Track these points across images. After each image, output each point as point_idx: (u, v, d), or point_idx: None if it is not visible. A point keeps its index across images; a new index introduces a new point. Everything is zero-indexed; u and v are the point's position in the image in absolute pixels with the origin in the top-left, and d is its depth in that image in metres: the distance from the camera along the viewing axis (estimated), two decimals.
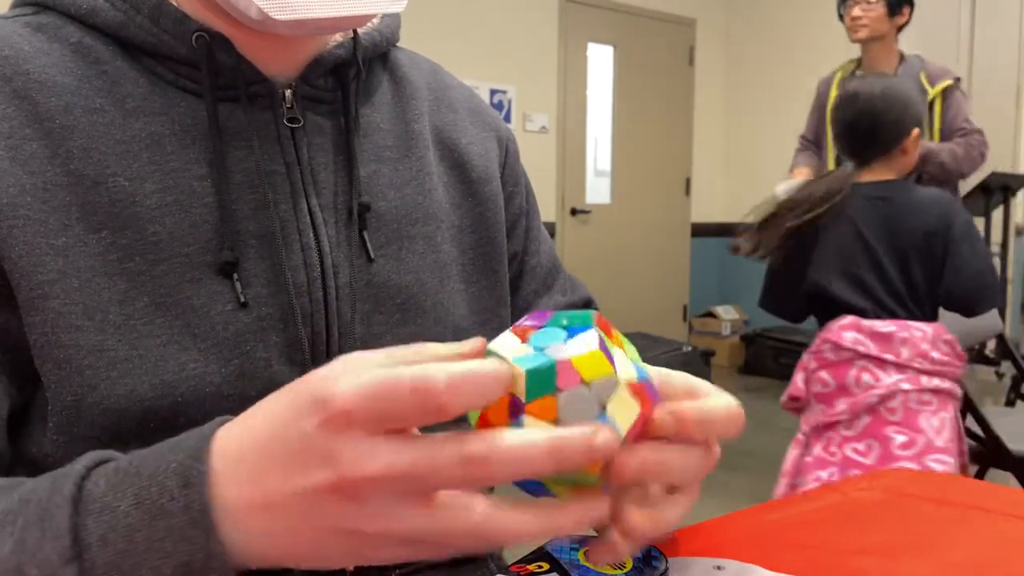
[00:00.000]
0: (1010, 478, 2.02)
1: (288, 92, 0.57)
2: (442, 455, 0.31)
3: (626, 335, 0.41)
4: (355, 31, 0.61)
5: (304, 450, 0.33)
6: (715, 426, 0.39)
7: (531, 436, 0.32)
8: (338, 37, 0.62)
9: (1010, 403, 2.50)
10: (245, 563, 0.36)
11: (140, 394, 0.49)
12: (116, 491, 0.37)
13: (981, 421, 2.00)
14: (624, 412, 0.35)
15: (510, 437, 0.31)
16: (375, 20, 0.65)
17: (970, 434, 2.04)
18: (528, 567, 0.49)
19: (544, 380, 0.34)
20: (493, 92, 4.63)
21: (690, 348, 4.54)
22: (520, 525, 0.32)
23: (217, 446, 0.36)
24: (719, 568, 0.56)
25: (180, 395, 0.50)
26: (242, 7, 0.51)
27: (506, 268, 0.68)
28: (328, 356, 0.56)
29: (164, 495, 0.35)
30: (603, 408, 0.35)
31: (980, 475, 2.16)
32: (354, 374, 0.32)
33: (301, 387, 0.34)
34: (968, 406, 2.02)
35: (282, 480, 0.34)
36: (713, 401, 0.40)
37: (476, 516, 0.32)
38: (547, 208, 4.93)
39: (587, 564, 0.49)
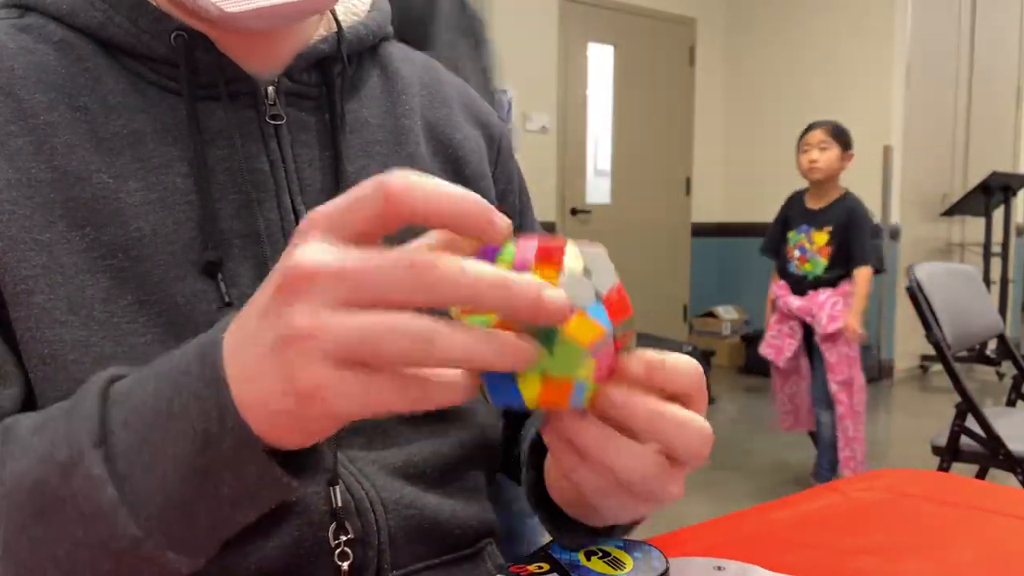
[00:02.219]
0: (1010, 478, 2.02)
1: (270, 89, 0.56)
2: (389, 256, 0.31)
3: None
4: (339, 25, 0.61)
5: (270, 278, 0.34)
6: (681, 378, 0.39)
7: (481, 264, 0.31)
8: (322, 31, 0.61)
9: (1011, 403, 2.50)
10: (255, 429, 0.35)
11: None
12: (140, 383, 0.39)
13: (982, 421, 2.00)
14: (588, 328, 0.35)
15: (459, 258, 0.31)
16: (360, 14, 0.64)
17: (970, 434, 2.04)
18: (528, 567, 0.49)
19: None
20: (493, 92, 4.63)
21: (690, 348, 4.54)
22: (468, 337, 0.31)
23: (232, 321, 0.37)
24: (719, 568, 0.56)
25: None
26: (202, 6, 0.51)
27: None
28: None
29: (184, 372, 0.37)
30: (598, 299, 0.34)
31: (980, 475, 2.16)
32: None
33: None
34: (968, 406, 2.02)
35: (247, 314, 0.35)
36: (669, 355, 0.40)
37: (420, 320, 0.31)
38: (547, 208, 4.93)
39: (587, 564, 0.49)
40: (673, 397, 0.39)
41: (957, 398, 2.26)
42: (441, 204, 0.32)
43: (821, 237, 3.07)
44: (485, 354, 0.32)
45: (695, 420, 0.39)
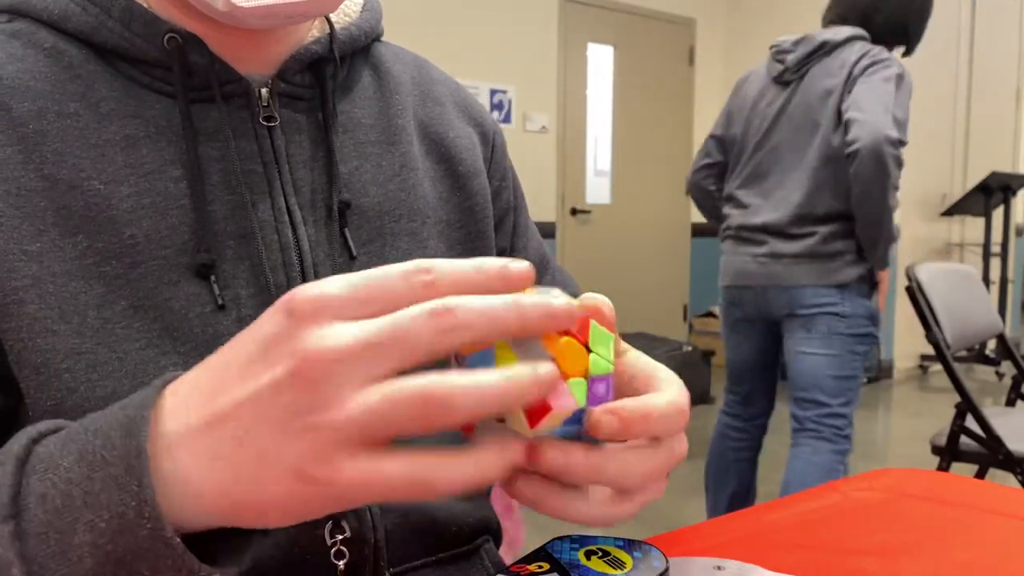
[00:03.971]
0: (1009, 478, 2.02)
1: (264, 90, 0.57)
2: (408, 312, 0.31)
3: (626, 335, 0.41)
4: (331, 26, 0.60)
5: (262, 349, 0.32)
6: (658, 423, 0.39)
7: (492, 296, 0.33)
8: (315, 32, 0.61)
9: (1010, 403, 2.50)
10: (185, 517, 0.34)
11: (120, 396, 0.48)
12: (63, 449, 0.36)
13: (981, 421, 2.00)
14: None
15: (473, 296, 0.32)
16: (352, 15, 0.64)
17: (970, 434, 2.04)
18: (528, 567, 0.49)
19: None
20: (493, 92, 4.63)
21: (690, 348, 4.54)
22: (479, 382, 0.31)
23: (169, 388, 0.35)
24: (719, 568, 0.56)
25: None
26: (207, 1, 0.51)
27: None
28: None
29: (107, 447, 0.35)
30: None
31: (980, 475, 2.16)
32: (330, 280, 0.33)
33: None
34: (968, 406, 2.02)
35: (237, 385, 0.33)
36: (656, 397, 0.40)
37: (432, 378, 0.31)
38: (547, 208, 4.93)
39: (587, 564, 0.49)
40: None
41: (957, 398, 2.26)
42: (469, 275, 0.33)
43: None
44: (497, 391, 0.32)
45: (648, 461, 0.39)
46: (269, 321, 0.33)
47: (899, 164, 1.94)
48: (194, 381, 0.35)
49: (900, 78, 2.00)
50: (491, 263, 0.34)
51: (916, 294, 2.08)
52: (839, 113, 2.02)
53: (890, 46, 2.15)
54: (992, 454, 2.01)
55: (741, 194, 2.22)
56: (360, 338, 0.31)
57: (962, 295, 2.27)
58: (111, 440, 0.35)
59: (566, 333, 0.35)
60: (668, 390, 0.42)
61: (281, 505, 0.33)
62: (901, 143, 1.92)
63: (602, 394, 0.37)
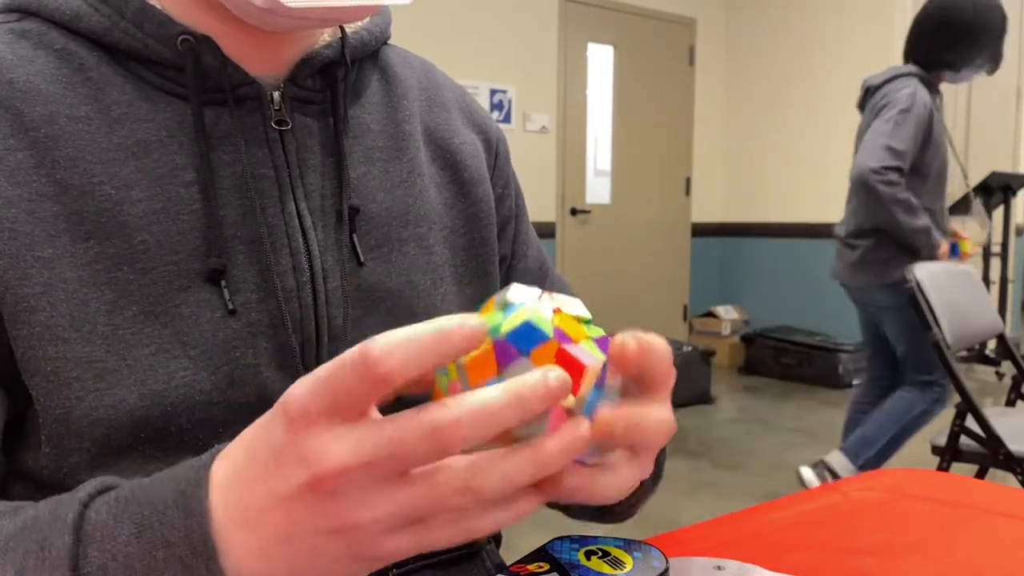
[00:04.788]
0: (1009, 478, 2.02)
1: (276, 94, 0.56)
2: (408, 428, 0.31)
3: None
4: (343, 30, 0.60)
5: (274, 459, 0.33)
6: (646, 437, 0.38)
7: (490, 392, 0.31)
8: (326, 36, 0.61)
9: (1010, 403, 2.50)
10: None
11: (129, 404, 0.49)
12: (117, 519, 0.36)
13: (981, 421, 2.00)
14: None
15: (470, 397, 0.31)
16: (364, 19, 0.64)
17: (970, 434, 2.04)
18: (528, 567, 0.49)
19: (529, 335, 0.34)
20: (493, 92, 4.63)
21: (690, 348, 4.54)
22: (508, 467, 0.32)
23: (214, 475, 0.36)
24: (719, 568, 0.56)
25: (170, 404, 0.50)
26: None
27: (498, 269, 0.67)
28: (319, 361, 0.55)
29: (165, 525, 0.35)
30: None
31: (980, 475, 2.16)
32: (307, 376, 0.32)
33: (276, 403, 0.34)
34: (968, 406, 2.02)
35: (261, 495, 0.34)
36: (647, 411, 0.38)
37: (461, 472, 0.32)
38: (547, 208, 4.93)
39: (587, 564, 0.49)
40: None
41: (993, 411, 2.25)
42: (423, 356, 0.31)
43: None
44: (525, 468, 0.32)
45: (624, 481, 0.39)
46: (274, 428, 0.34)
47: (889, 184, 2.44)
48: (226, 478, 0.35)
49: (903, 112, 2.46)
50: (452, 327, 0.32)
51: (916, 294, 2.08)
52: None
53: (949, 71, 2.65)
54: (992, 454, 2.00)
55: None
56: (361, 452, 0.31)
57: (962, 295, 2.27)
58: (169, 519, 0.35)
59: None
60: (661, 408, 0.39)
61: (339, 567, 0.34)
62: (889, 169, 2.44)
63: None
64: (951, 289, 2.22)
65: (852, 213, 2.66)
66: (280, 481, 0.33)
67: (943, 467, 2.09)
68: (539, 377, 0.32)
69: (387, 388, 0.31)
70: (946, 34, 2.55)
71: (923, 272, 2.13)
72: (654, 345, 0.37)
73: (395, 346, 0.31)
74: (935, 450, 2.14)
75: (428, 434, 0.31)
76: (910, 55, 2.64)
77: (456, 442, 0.31)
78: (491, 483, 0.32)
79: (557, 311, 0.36)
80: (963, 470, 2.08)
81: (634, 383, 0.38)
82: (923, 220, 2.57)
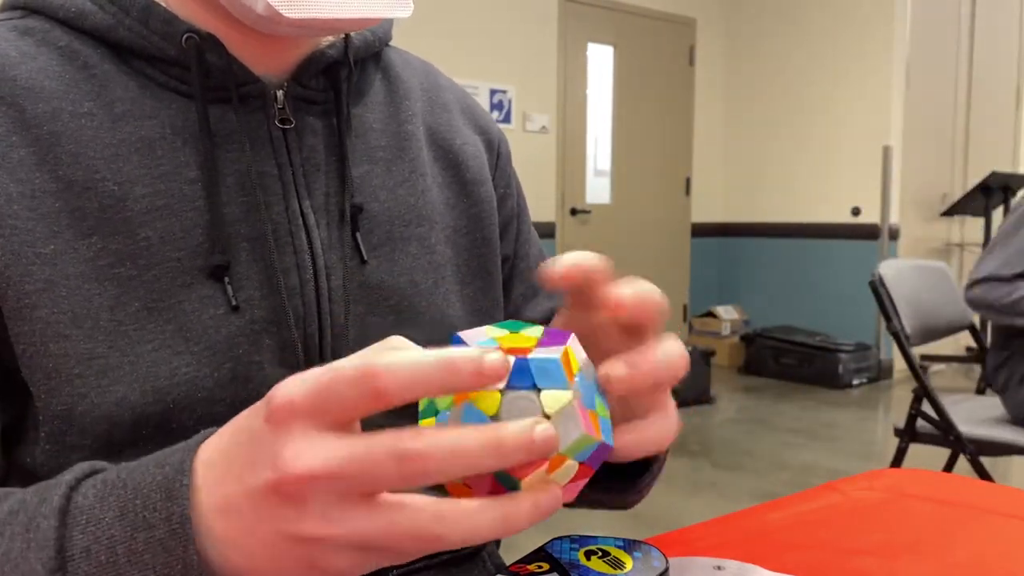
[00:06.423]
0: (1010, 476, 2.03)
1: (280, 93, 0.57)
2: (376, 449, 0.30)
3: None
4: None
5: (251, 448, 0.33)
6: (669, 371, 0.38)
7: (468, 433, 0.31)
8: (330, 37, 0.61)
9: (980, 391, 2.57)
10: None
11: (131, 401, 0.49)
12: (103, 503, 0.37)
13: (935, 404, 2.09)
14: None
15: (447, 433, 0.31)
16: (365, 29, 0.65)
17: (926, 417, 2.13)
18: (528, 567, 0.49)
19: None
20: (493, 92, 4.63)
21: (690, 348, 4.54)
22: (472, 521, 0.31)
23: (200, 456, 0.36)
24: (719, 568, 0.56)
25: (172, 401, 0.50)
26: (248, 2, 0.50)
27: (500, 269, 0.68)
28: (321, 359, 0.55)
29: (148, 507, 0.35)
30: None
31: (950, 464, 2.21)
32: (307, 373, 0.32)
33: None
34: (924, 391, 2.11)
35: (237, 481, 0.33)
36: (661, 346, 0.39)
37: (425, 517, 0.31)
38: (547, 208, 4.93)
39: (587, 564, 0.49)
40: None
41: (956, 397, 2.30)
42: (430, 377, 0.31)
43: None
44: (490, 526, 0.31)
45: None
46: (258, 416, 0.33)
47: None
48: (211, 458, 0.36)
49: None
50: (463, 359, 0.31)
51: (878, 288, 2.17)
52: None
53: None
54: (944, 435, 2.09)
55: None
56: (330, 463, 0.31)
57: (930, 290, 2.36)
58: (152, 502, 0.36)
59: None
60: (668, 339, 0.40)
61: (292, 570, 0.33)
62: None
63: (596, 455, 0.36)
64: (918, 284, 2.32)
65: None
66: (251, 474, 0.33)
67: (903, 447, 2.21)
68: (524, 429, 0.31)
69: (380, 405, 0.31)
70: None
71: (888, 268, 2.23)
72: (642, 297, 0.38)
73: (400, 368, 0.30)
74: (896, 432, 2.24)
75: (394, 458, 0.30)
76: None
77: (420, 474, 0.30)
78: (453, 535, 0.31)
79: (503, 338, 0.35)
80: (934, 453, 2.17)
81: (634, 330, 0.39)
82: None
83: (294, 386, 0.32)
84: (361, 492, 0.31)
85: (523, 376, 0.34)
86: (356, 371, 0.31)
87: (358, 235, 0.58)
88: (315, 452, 0.31)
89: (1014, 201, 2.28)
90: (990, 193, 4.93)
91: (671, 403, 0.41)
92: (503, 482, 0.33)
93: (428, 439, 0.30)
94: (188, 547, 0.34)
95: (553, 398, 0.34)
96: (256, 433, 0.33)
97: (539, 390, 0.34)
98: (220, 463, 0.35)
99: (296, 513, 0.32)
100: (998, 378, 2.16)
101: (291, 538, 0.32)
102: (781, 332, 5.24)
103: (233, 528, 0.34)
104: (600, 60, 5.21)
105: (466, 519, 0.31)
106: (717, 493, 3.14)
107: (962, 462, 2.13)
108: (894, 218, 5.14)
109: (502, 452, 0.31)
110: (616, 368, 0.37)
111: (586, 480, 0.36)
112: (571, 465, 0.35)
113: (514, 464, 0.31)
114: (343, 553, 0.32)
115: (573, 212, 5.08)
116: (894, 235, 5.14)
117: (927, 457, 2.26)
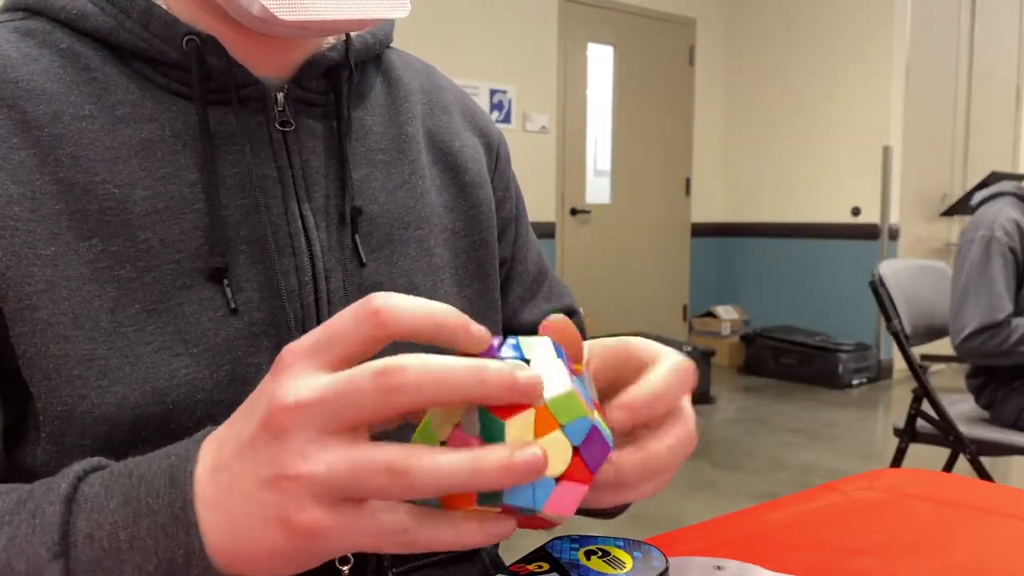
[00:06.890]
0: (1010, 476, 2.03)
1: (280, 95, 0.57)
2: (359, 374, 0.32)
3: (627, 335, 0.40)
4: (347, 34, 0.61)
5: (251, 401, 0.35)
6: (668, 397, 0.40)
7: (453, 455, 0.32)
8: (331, 39, 0.61)
9: None
10: (221, 563, 0.36)
11: (131, 402, 0.49)
12: (108, 491, 0.38)
13: (935, 404, 2.09)
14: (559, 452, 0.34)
15: (431, 359, 0.32)
16: (363, 30, 0.65)
17: (926, 417, 2.14)
18: (528, 567, 0.49)
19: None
20: (493, 92, 4.63)
21: (690, 348, 4.54)
22: (440, 460, 0.32)
23: (204, 445, 0.37)
24: (719, 568, 0.56)
25: (171, 402, 0.50)
26: (244, 4, 0.50)
27: (498, 272, 0.68)
28: None
29: (151, 494, 0.36)
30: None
31: (948, 467, 2.21)
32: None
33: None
34: (923, 391, 2.12)
35: (232, 442, 0.35)
36: (656, 371, 0.41)
37: (398, 451, 0.32)
38: (547, 208, 4.93)
39: (587, 564, 0.49)
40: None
41: (956, 397, 2.30)
42: (427, 320, 0.34)
43: None
44: (458, 469, 0.32)
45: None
46: (269, 376, 0.35)
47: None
48: (218, 438, 0.37)
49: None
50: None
51: (878, 287, 2.18)
52: None
53: None
54: (944, 435, 2.09)
55: None
56: (315, 390, 0.32)
57: (930, 290, 2.37)
58: (155, 488, 0.36)
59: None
60: (668, 359, 0.43)
61: (271, 553, 0.34)
62: None
63: (590, 439, 0.35)
64: (918, 284, 2.32)
65: None
66: (246, 423, 0.34)
67: (903, 447, 2.20)
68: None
69: (382, 334, 0.33)
70: None
71: (888, 268, 2.24)
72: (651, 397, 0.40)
73: (401, 301, 0.33)
74: (896, 432, 2.22)
75: (378, 374, 0.32)
76: None
77: (404, 401, 0.32)
78: (423, 472, 0.32)
79: None
80: (934, 453, 2.16)
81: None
82: None
83: (299, 339, 0.34)
84: (343, 425, 0.32)
85: (514, 349, 0.36)
86: (357, 312, 0.33)
87: (357, 237, 0.58)
88: (307, 384, 0.33)
89: (960, 234, 2.26)
90: None
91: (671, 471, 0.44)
92: (486, 429, 0.34)
93: (413, 363, 0.32)
94: (191, 532, 0.35)
95: (539, 359, 0.35)
96: (260, 388, 0.35)
97: (528, 361, 0.35)
98: (221, 436, 0.36)
99: (277, 449, 0.33)
100: (982, 398, 2.19)
101: (267, 483, 0.33)
102: (781, 332, 5.24)
103: (220, 487, 0.35)
104: (600, 60, 5.22)
105: (434, 458, 0.32)
106: (717, 493, 3.14)
107: (962, 462, 2.13)
108: (894, 218, 5.14)
109: (483, 379, 0.32)
110: (628, 457, 0.40)
111: (585, 488, 0.36)
112: (562, 440, 0.34)
113: (496, 401, 0.33)
114: (313, 505, 0.33)
115: (573, 212, 5.08)
116: (894, 235, 5.14)
117: (927, 457, 2.26)
